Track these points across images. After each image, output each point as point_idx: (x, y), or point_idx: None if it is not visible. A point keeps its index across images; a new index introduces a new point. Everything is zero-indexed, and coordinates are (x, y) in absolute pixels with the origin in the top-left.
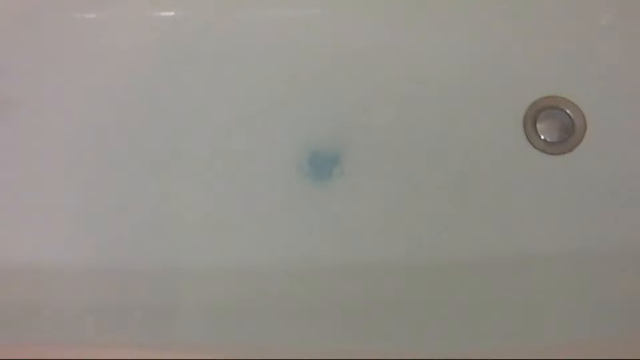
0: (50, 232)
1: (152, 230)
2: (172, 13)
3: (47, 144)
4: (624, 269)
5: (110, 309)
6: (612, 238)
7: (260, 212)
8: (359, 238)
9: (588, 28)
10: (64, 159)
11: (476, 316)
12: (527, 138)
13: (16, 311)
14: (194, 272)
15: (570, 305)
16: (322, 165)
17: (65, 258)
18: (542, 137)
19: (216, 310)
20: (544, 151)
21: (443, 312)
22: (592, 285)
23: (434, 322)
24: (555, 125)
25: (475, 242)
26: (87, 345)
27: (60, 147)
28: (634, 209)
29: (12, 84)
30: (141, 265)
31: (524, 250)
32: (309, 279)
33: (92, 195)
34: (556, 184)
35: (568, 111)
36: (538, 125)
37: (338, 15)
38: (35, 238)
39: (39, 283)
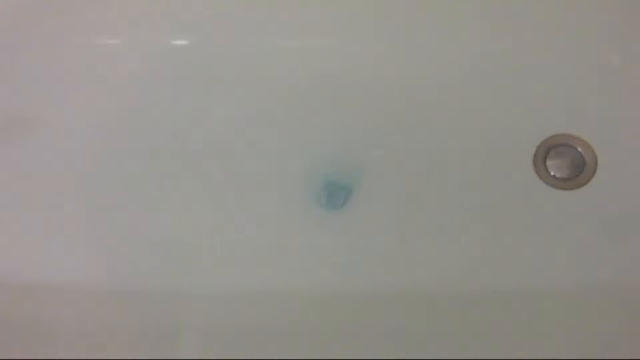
0: (58, 251)
1: (158, 252)
2: (186, 41)
3: (59, 165)
4: (629, 308)
5: (115, 329)
6: (619, 276)
7: (269, 239)
8: (369, 268)
9: (600, 66)
10: (75, 180)
11: (477, 349)
12: (537, 174)
13: (21, 330)
14: (200, 295)
15: (572, 342)
16: (336, 194)
17: (69, 278)
18: (552, 173)
19: (223, 333)
20: (554, 187)
21: (445, 344)
22: (597, 323)
23: (435, 353)
24: (566, 162)
25: (482, 275)
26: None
27: (72, 168)
28: None
29: (31, 106)
30: (145, 286)
31: (529, 285)
32: (317, 307)
33: (102, 216)
34: (565, 220)
35: (579, 148)
36: (548, 162)
37: (349, 47)
38: (38, 256)
39: (41, 302)
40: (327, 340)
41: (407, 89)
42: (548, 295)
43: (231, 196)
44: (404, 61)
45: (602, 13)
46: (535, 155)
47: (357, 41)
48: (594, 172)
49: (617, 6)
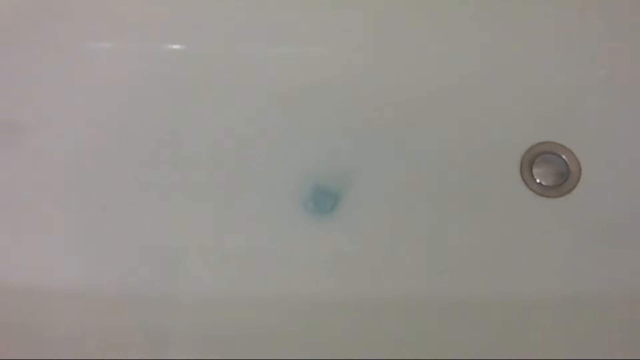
0: (55, 255)
1: (152, 257)
2: (183, 46)
3: (56, 168)
4: (619, 312)
5: (110, 333)
6: (605, 281)
7: (259, 245)
8: (357, 274)
9: (585, 77)
10: (71, 183)
11: (469, 354)
12: (524, 181)
13: (18, 333)
14: (192, 300)
15: (561, 347)
16: (324, 200)
17: (66, 281)
18: (538, 180)
19: (212, 338)
20: (540, 194)
21: (437, 351)
22: (587, 329)
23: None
24: (551, 170)
25: (471, 283)
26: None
27: (68, 172)
28: (627, 252)
29: (28, 108)
30: (139, 291)
31: (518, 293)
32: (306, 313)
33: (94, 221)
34: (551, 227)
35: (564, 157)
36: (534, 170)
37: (343, 54)
38: (36, 260)
39: (38, 305)
40: (317, 345)
41: (395, 99)
42: (536, 301)
43: (224, 201)
44: (399, 71)
45: (589, 26)
46: (521, 163)
47: (356, 44)
48: (578, 181)
49: (604, 19)
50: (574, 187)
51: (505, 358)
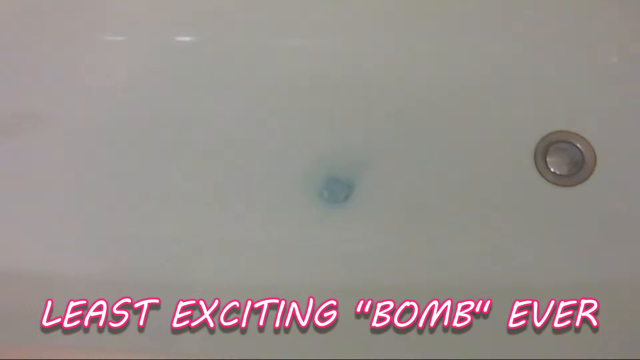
0: (60, 246)
1: (165, 249)
2: (192, 38)
3: (64, 160)
4: (629, 303)
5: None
6: (618, 271)
7: (273, 234)
8: (369, 263)
9: (599, 64)
10: (79, 175)
11: (478, 345)
12: (538, 170)
13: (21, 318)
14: (205, 291)
15: (572, 339)
16: (338, 190)
17: (72, 268)
18: (552, 170)
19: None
20: (554, 184)
21: (445, 340)
22: (600, 319)
23: (436, 348)
24: (565, 159)
25: (484, 271)
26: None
27: (75, 164)
28: None
29: (39, 100)
30: (150, 283)
31: (530, 281)
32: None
33: (105, 212)
34: (564, 216)
35: (578, 145)
36: (548, 159)
37: (351, 45)
38: (43, 247)
39: (44, 291)
40: (330, 334)
41: (408, 88)
42: (548, 291)
43: (234, 192)
44: (406, 61)
45: (602, 13)
46: (535, 152)
47: (360, 40)
48: (593, 169)
49: (616, 6)
50: (589, 176)
51: (507, 358)
